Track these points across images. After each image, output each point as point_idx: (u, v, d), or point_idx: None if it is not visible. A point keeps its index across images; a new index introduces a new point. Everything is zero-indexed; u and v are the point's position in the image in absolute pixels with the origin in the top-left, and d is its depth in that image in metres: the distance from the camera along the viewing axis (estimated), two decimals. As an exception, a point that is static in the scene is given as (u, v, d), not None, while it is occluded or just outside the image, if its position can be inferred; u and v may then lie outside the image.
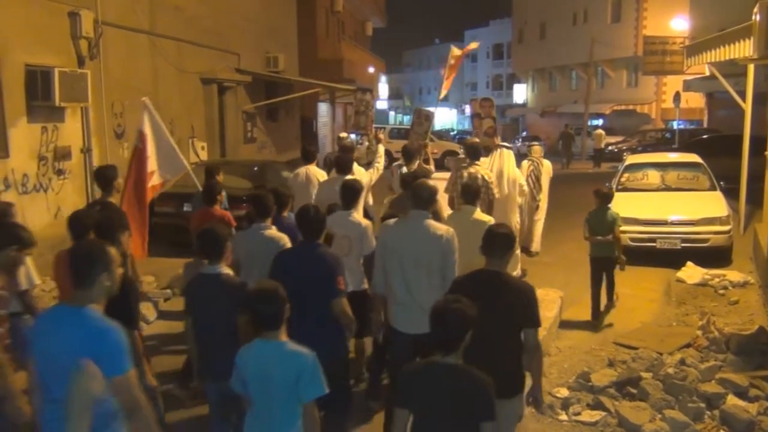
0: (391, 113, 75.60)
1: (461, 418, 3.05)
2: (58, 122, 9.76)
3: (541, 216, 10.79)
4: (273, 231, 5.15)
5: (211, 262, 4.17)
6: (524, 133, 44.25)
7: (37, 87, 9.06)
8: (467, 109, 58.01)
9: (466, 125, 55.93)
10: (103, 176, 6.16)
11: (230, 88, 16.08)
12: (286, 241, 5.04)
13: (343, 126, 28.04)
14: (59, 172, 9.80)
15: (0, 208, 5.21)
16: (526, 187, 9.29)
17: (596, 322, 7.85)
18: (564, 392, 5.79)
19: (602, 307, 8.08)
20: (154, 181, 7.00)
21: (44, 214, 9.42)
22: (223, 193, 7.00)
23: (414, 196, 4.85)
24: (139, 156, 6.87)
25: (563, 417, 5.44)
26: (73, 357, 2.80)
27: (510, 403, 3.75)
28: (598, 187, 8.43)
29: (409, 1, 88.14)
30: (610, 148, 29.21)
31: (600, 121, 37.31)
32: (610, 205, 8.00)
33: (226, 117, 16.10)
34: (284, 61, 18.95)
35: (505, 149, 9.20)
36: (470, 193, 6.03)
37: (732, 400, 5.43)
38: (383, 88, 45.13)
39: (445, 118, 68.07)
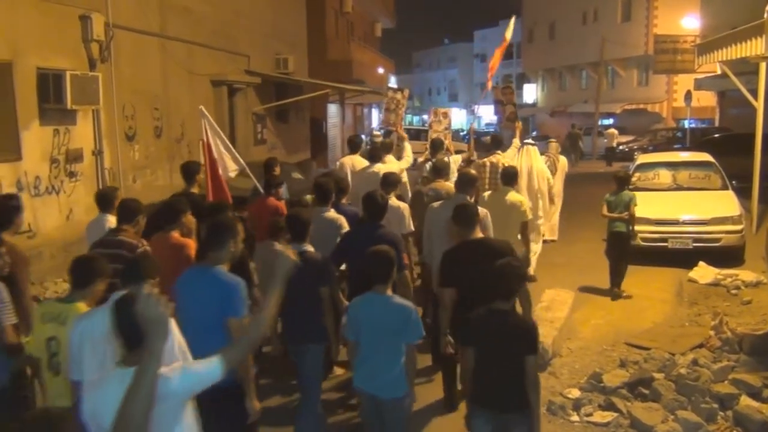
0: (384, 108, 75.54)
1: (512, 352, 3.82)
2: (69, 125, 9.83)
3: (558, 205, 11.39)
4: (332, 213, 5.86)
5: (297, 241, 4.80)
6: (534, 133, 44.09)
7: (49, 90, 9.14)
8: (476, 109, 57.93)
9: (476, 126, 55.80)
10: (187, 170, 6.99)
11: (240, 90, 16.14)
12: (343, 222, 5.75)
13: (353, 127, 28.10)
14: (71, 175, 9.86)
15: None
16: (552, 180, 10.10)
17: (616, 290, 8.75)
18: (575, 393, 5.77)
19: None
20: (223, 176, 7.58)
21: (56, 217, 9.49)
22: (284, 186, 7.60)
23: (459, 181, 5.98)
24: (210, 155, 7.51)
25: (575, 418, 5.42)
26: (208, 306, 3.66)
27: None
28: (617, 171, 10.06)
29: (418, 2, 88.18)
30: (621, 147, 29.10)
31: (611, 121, 37.15)
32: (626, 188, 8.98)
33: (236, 119, 16.16)
34: (294, 62, 19.00)
35: (530, 146, 10.03)
36: (509, 175, 7.31)
37: (745, 400, 5.39)
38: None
39: (454, 118, 67.97)
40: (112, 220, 5.33)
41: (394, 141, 10.59)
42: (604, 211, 8.80)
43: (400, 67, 62.14)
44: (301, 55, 21.16)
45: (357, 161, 8.94)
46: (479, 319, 3.97)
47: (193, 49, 13.75)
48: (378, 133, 13.54)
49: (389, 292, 4.06)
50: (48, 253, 9.20)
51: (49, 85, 9.13)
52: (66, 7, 9.73)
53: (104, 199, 5.67)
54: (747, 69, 13.95)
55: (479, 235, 4.96)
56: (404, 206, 6.46)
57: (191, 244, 4.97)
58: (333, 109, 27.10)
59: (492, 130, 50.96)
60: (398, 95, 12.53)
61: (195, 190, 6.89)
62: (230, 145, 8.00)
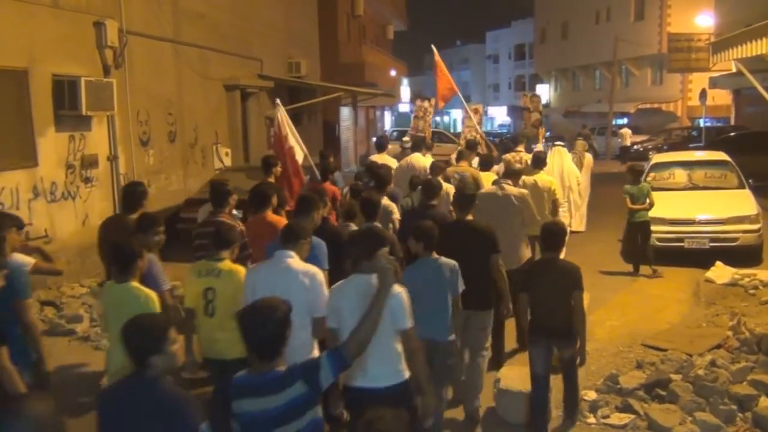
0: (413, 116, 75.55)
1: (561, 289, 4.98)
2: (85, 131, 9.91)
3: (585, 198, 11.92)
4: (385, 200, 6.69)
5: (369, 221, 5.66)
6: (548, 134, 43.99)
7: (65, 96, 9.22)
8: (490, 110, 57.83)
9: (489, 127, 55.68)
10: (266, 163, 7.94)
11: (253, 94, 16.21)
12: (394, 208, 6.81)
13: (365, 129, 28.15)
14: (87, 180, 9.95)
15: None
16: (580, 178, 10.71)
17: (636, 273, 9.69)
18: (592, 395, 5.74)
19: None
20: (298, 157, 8.51)
21: (72, 222, 9.57)
22: (337, 173, 9.03)
23: (506, 170, 7.49)
24: (279, 143, 8.51)
25: (591, 420, 5.39)
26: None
27: None
28: (632, 164, 11.01)
29: (430, 4, 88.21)
30: (636, 147, 28.93)
31: (625, 120, 36.92)
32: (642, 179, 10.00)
33: (249, 123, 16.22)
34: (306, 66, 19.06)
35: (560, 147, 10.77)
36: (539, 159, 8.89)
37: (765, 402, 5.32)
38: (405, 91, 45.16)
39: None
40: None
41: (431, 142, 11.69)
42: (629, 203, 9.65)
43: (413, 69, 62.08)
44: (314, 59, 21.22)
45: (387, 160, 9.70)
46: (535, 266, 5.37)
47: (206, 54, 13.83)
48: (406, 138, 14.83)
49: (435, 255, 4.83)
50: (64, 258, 9.27)
51: (65, 92, 9.21)
52: (80, 14, 9.82)
53: (216, 194, 6.09)
54: (763, 66, 13.80)
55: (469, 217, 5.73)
56: (392, 205, 7.01)
57: (283, 221, 5.61)
58: (345, 112, 27.14)
59: (505, 131, 50.88)
60: (426, 104, 13.96)
61: (271, 179, 7.73)
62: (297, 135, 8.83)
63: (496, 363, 6.13)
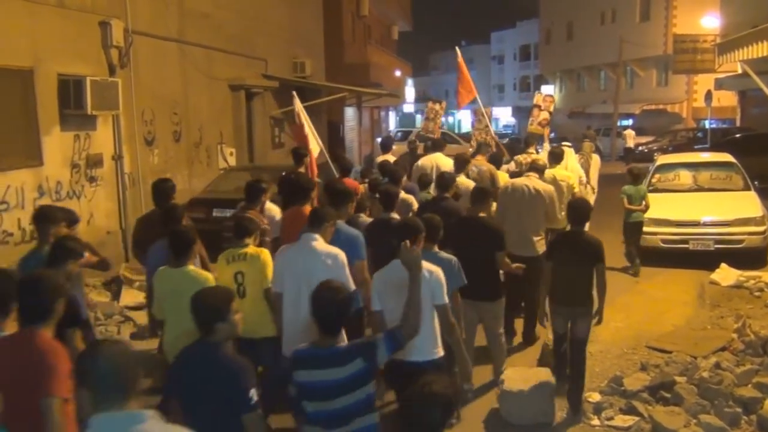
0: (418, 116, 75.56)
1: (583, 262, 5.41)
2: (90, 130, 9.93)
3: (593, 197, 11.79)
4: (403, 194, 7.07)
5: (387, 211, 6.06)
6: (552, 135, 43.94)
7: (70, 96, 9.24)
8: (494, 111, 57.72)
9: (494, 128, 55.62)
10: (297, 154, 8.57)
11: (258, 94, 16.23)
12: (412, 200, 7.21)
13: (369, 130, 28.16)
14: (91, 179, 9.97)
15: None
16: (584, 177, 10.69)
17: (633, 269, 9.88)
18: (596, 397, 5.72)
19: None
20: (313, 150, 9.04)
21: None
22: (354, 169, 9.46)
23: (531, 165, 7.99)
24: (298, 133, 9.21)
25: (595, 422, 5.38)
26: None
27: None
28: (632, 166, 11.86)
29: (435, 4, 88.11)
30: (640, 148, 28.87)
31: (630, 121, 36.83)
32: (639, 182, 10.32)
33: (254, 123, 16.24)
34: (311, 66, 19.07)
35: (567, 147, 10.72)
36: (556, 155, 9.12)
37: (770, 404, 5.31)
38: (409, 91, 45.17)
39: (470, 120, 67.91)
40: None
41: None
42: (626, 203, 10.03)
43: (417, 69, 62.12)
44: (319, 59, 21.22)
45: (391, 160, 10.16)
46: (562, 236, 5.99)
47: (211, 54, 13.85)
48: (413, 138, 15.68)
49: (436, 248, 4.93)
50: (69, 257, 9.30)
51: (70, 91, 9.23)
52: (86, 13, 9.85)
53: (250, 191, 6.54)
54: (769, 68, 13.77)
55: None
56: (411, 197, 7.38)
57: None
58: (350, 113, 27.14)
59: (509, 131, 50.84)
60: (437, 106, 14.33)
61: (302, 170, 8.28)
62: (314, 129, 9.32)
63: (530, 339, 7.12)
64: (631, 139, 28.87)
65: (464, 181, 7.89)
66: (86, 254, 5.01)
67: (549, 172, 8.51)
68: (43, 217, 5.13)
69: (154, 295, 4.95)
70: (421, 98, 74.12)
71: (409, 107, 60.77)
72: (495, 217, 7.14)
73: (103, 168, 10.24)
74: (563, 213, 7.82)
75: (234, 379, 3.08)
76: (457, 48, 13.58)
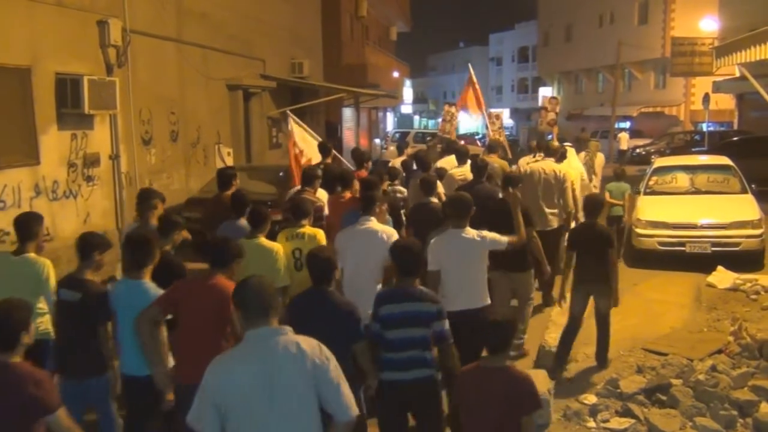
0: (416, 117, 75.60)
1: (598, 247, 6.30)
2: (87, 129, 9.91)
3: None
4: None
5: (427, 195, 6.93)
6: (550, 137, 44.00)
7: (67, 95, 9.21)
8: (492, 113, 57.68)
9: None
10: (325, 147, 9.04)
11: (256, 94, 16.21)
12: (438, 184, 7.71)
13: (367, 130, 28.18)
14: (88, 179, 9.94)
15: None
16: (586, 176, 11.02)
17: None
18: (592, 399, 5.73)
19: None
20: (303, 159, 9.51)
21: (74, 221, 9.57)
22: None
23: (546, 150, 9.27)
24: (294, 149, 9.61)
25: (591, 424, 5.37)
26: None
27: None
28: (616, 166, 12.86)
29: (433, 5, 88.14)
30: (638, 150, 28.91)
31: (627, 124, 36.90)
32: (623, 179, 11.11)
33: (251, 123, 16.23)
34: (309, 66, 19.05)
35: (569, 146, 11.16)
36: (553, 151, 9.32)
37: (765, 407, 5.32)
38: (408, 92, 45.14)
39: (469, 122, 67.88)
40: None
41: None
42: (608, 197, 10.49)
43: (415, 70, 62.14)
44: (317, 59, 21.21)
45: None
46: (579, 228, 6.89)
47: (209, 53, 13.83)
48: (430, 138, 17.46)
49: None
50: (65, 257, 9.25)
51: (67, 90, 9.21)
52: (84, 12, 9.83)
53: (305, 176, 7.36)
54: (767, 71, 13.79)
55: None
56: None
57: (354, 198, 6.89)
58: (348, 113, 27.14)
59: (507, 133, 50.84)
60: (452, 109, 15.23)
61: (329, 161, 8.82)
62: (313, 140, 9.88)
63: (551, 299, 8.00)
64: (625, 142, 29.05)
65: (497, 160, 9.27)
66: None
67: (549, 166, 8.88)
68: (145, 197, 6.10)
69: None
70: (419, 99, 74.33)
71: (407, 108, 60.73)
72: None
73: (100, 167, 10.21)
74: (561, 201, 8.63)
75: (348, 314, 3.95)
76: (469, 65, 14.84)
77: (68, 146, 9.55)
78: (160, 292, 4.28)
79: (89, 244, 4.63)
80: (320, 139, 10.01)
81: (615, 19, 40.77)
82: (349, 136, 27.16)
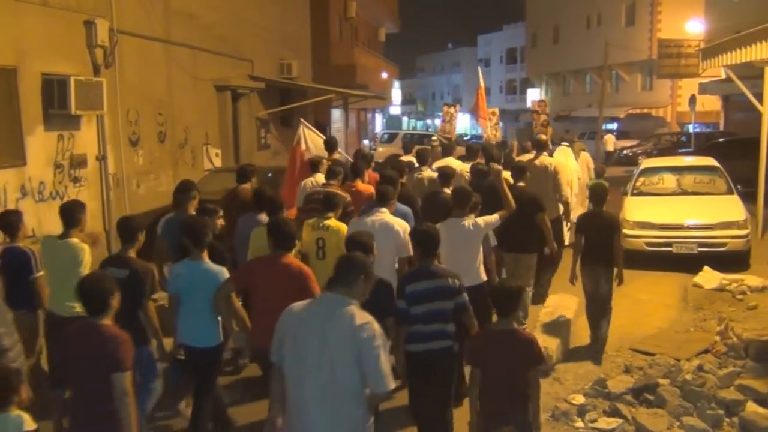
0: (405, 118, 75.64)
1: (604, 233, 6.90)
2: (74, 130, 9.84)
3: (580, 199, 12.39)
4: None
5: (443, 186, 7.44)
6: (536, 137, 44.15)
7: (54, 95, 9.14)
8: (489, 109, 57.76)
9: (479, 130, 55.75)
10: (330, 144, 9.63)
11: (244, 95, 16.17)
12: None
13: (356, 132, 28.18)
14: (75, 180, 9.88)
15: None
16: (581, 174, 11.26)
17: None
18: (580, 399, 5.75)
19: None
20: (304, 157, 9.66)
21: (60, 222, 9.48)
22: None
23: (538, 142, 9.51)
24: (293, 158, 9.95)
25: (579, 424, 5.40)
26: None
27: None
28: (597, 165, 12.86)
29: (422, 7, 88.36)
30: (625, 151, 29.07)
31: (615, 125, 37.11)
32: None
33: (239, 124, 16.18)
34: (297, 67, 19.02)
35: (564, 146, 11.26)
36: (544, 145, 9.62)
37: (751, 407, 5.35)
38: (396, 93, 45.16)
39: (458, 123, 67.97)
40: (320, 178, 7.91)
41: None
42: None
43: (404, 71, 62.13)
44: (305, 60, 21.19)
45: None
46: (586, 216, 7.35)
47: (197, 54, 13.78)
48: (435, 138, 18.05)
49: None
50: (52, 258, 9.21)
51: (54, 91, 9.14)
52: (70, 12, 9.76)
53: (329, 171, 7.76)
54: (752, 73, 13.92)
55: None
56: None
57: (369, 188, 7.43)
58: (337, 114, 27.11)
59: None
60: (452, 109, 16.15)
61: (336, 156, 9.32)
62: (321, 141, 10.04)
63: (540, 297, 8.29)
64: (611, 143, 29.24)
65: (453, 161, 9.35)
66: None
67: (540, 160, 9.16)
68: (184, 189, 6.43)
69: (250, 247, 6.01)
70: (407, 100, 74.37)
71: (395, 109, 60.76)
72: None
73: (87, 168, 10.14)
74: (558, 194, 8.97)
75: (386, 291, 4.63)
76: (479, 72, 16.07)
77: (55, 147, 9.48)
78: (218, 269, 4.90)
79: (132, 227, 5.15)
80: (324, 137, 10.42)
81: (602, 21, 41.01)
82: (338, 137, 27.11)
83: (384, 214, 5.86)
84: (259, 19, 17.20)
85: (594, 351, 6.94)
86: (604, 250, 6.89)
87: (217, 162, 14.40)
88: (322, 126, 24.46)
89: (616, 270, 7.01)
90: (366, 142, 33.09)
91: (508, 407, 4.08)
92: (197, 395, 5.05)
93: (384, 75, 34.38)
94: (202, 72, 13.94)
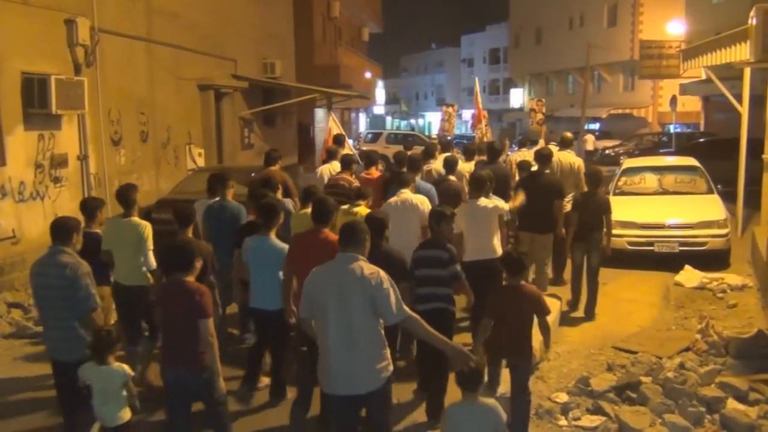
0: (388, 118, 75.63)
1: (596, 212, 7.98)
2: (54, 130, 9.75)
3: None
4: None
5: (447, 174, 8.44)
6: (521, 136, 44.34)
7: (34, 95, 9.06)
8: (464, 114, 58.04)
9: (464, 130, 55.88)
10: (339, 139, 11.32)
11: (227, 95, 16.09)
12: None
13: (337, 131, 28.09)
14: (56, 180, 9.78)
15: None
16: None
17: None
18: (563, 397, 5.78)
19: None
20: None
21: (41, 222, 9.39)
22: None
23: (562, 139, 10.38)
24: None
25: (563, 422, 5.42)
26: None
27: None
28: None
29: (405, 7, 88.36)
30: (607, 151, 29.28)
31: (597, 125, 37.36)
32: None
33: (223, 123, 16.10)
34: (281, 67, 18.97)
35: (554, 145, 11.47)
36: (532, 142, 12.07)
37: (732, 404, 5.41)
38: (380, 93, 45.15)
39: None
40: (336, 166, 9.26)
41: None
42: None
43: (388, 71, 62.10)
44: (289, 60, 21.13)
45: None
46: (581, 196, 8.29)
47: (179, 53, 13.70)
48: (434, 136, 19.65)
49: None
50: (32, 259, 9.04)
51: (34, 90, 9.05)
52: (51, 11, 9.67)
53: (343, 161, 9.12)
54: (731, 74, 14.07)
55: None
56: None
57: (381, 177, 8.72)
58: (320, 114, 27.04)
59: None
60: (450, 109, 17.31)
61: (348, 150, 10.60)
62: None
63: (558, 281, 9.18)
64: (591, 143, 29.50)
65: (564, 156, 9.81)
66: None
67: (564, 156, 9.73)
68: (221, 179, 7.19)
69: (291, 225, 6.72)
70: (391, 100, 74.36)
71: (379, 109, 60.75)
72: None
73: (68, 168, 10.05)
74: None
75: (399, 260, 5.42)
76: (476, 80, 17.38)
77: (35, 147, 9.38)
78: (281, 245, 5.65)
79: (188, 214, 6.01)
80: (343, 131, 11.87)
81: (585, 22, 41.28)
82: (321, 137, 27.06)
83: (406, 194, 6.98)
84: (242, 19, 17.14)
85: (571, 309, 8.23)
86: (595, 227, 7.92)
87: (201, 162, 14.32)
88: (306, 126, 24.46)
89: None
90: (350, 141, 33.03)
91: (516, 354, 4.97)
92: (274, 355, 5.88)
93: (368, 75, 34.36)
94: (184, 71, 13.86)
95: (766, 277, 8.29)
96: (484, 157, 10.13)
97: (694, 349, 6.69)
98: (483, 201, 6.80)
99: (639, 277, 9.81)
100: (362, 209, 6.76)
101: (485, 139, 14.62)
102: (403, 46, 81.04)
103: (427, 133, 45.60)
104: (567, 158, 9.58)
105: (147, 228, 6.06)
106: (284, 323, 5.56)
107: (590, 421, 5.36)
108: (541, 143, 13.15)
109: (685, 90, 26.71)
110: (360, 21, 36.11)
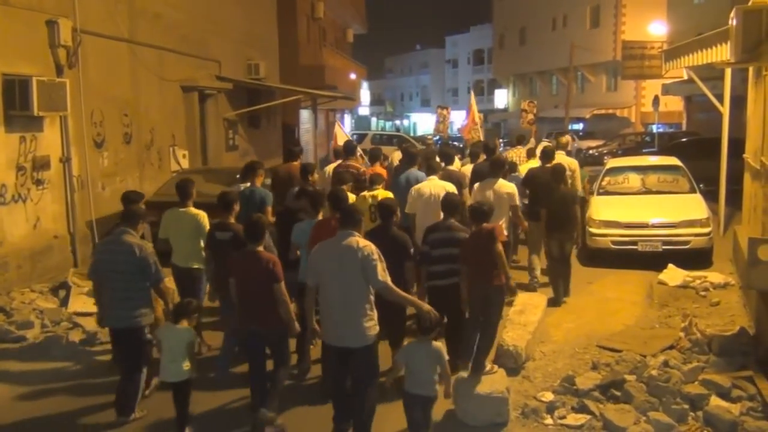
0: (373, 119, 75.64)
1: (565, 208, 8.60)
2: (36, 132, 9.65)
3: None
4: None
5: (446, 165, 9.02)
6: (506, 138, 44.47)
7: (15, 96, 8.94)
8: (452, 115, 58.02)
9: (448, 131, 55.89)
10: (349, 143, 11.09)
11: (211, 96, 16.02)
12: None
13: (325, 133, 28.10)
14: (38, 182, 9.68)
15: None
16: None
17: None
18: (549, 396, 5.80)
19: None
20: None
21: (23, 225, 9.30)
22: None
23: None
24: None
25: (548, 421, 5.45)
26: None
27: None
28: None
29: (390, 8, 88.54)
30: (591, 151, 29.47)
31: (581, 125, 37.58)
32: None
33: (207, 125, 16.02)
34: (265, 68, 18.91)
35: (545, 143, 12.56)
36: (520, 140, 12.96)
37: (715, 401, 5.47)
38: (365, 94, 45.15)
39: (427, 123, 68.19)
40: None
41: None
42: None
43: (373, 72, 62.15)
44: (273, 61, 21.07)
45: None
46: (548, 192, 8.74)
47: (163, 54, 13.61)
48: (430, 136, 20.89)
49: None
50: (14, 262, 9.02)
51: (15, 92, 8.94)
52: (32, 12, 9.57)
53: (345, 148, 10.09)
54: (713, 74, 14.21)
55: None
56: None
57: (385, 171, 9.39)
58: (305, 115, 26.99)
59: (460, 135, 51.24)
60: (444, 111, 18.14)
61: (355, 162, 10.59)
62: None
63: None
64: (569, 144, 29.79)
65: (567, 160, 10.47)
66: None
67: (559, 158, 10.18)
68: (252, 168, 8.18)
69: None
70: (376, 101, 74.33)
71: (364, 110, 60.77)
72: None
73: (50, 170, 9.95)
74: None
75: (403, 242, 6.03)
76: (471, 90, 18.32)
77: (17, 149, 9.27)
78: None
79: (230, 200, 6.62)
80: (348, 136, 12.81)
81: (568, 23, 41.53)
82: (307, 139, 27.02)
83: (434, 180, 7.94)
84: (225, 20, 17.06)
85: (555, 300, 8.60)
86: (565, 220, 8.56)
87: (185, 163, 14.23)
88: (291, 127, 24.39)
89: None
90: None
91: (485, 282, 5.91)
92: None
93: (352, 76, 34.34)
94: (168, 72, 13.78)
95: (747, 275, 8.36)
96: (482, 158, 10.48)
97: (677, 347, 6.74)
98: (501, 181, 8.17)
99: (623, 276, 9.87)
100: (381, 192, 7.69)
101: (479, 140, 15.12)
102: (388, 48, 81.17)
103: (412, 134, 45.63)
104: (562, 160, 10.08)
105: (204, 217, 6.87)
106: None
107: (575, 419, 5.40)
108: (532, 142, 14.01)
109: (667, 90, 26.95)
110: (344, 22, 36.10)
